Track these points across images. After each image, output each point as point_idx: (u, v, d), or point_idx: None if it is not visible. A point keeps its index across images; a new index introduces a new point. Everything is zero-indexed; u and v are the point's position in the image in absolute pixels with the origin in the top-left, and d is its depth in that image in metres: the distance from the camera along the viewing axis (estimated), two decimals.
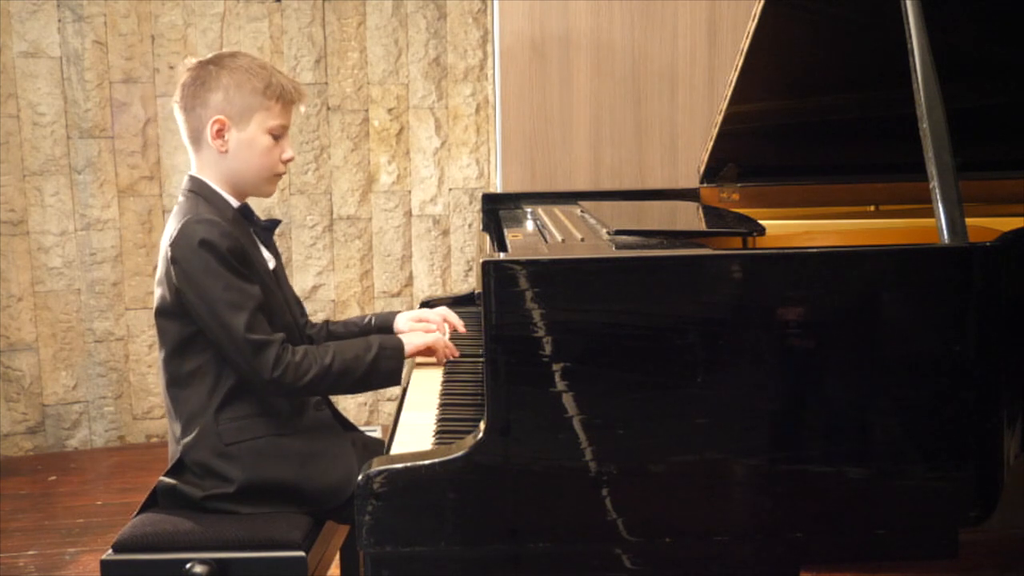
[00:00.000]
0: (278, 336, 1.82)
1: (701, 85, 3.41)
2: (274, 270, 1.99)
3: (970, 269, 1.53)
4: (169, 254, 1.84)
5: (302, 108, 1.98)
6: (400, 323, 2.15)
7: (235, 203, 1.93)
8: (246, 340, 1.78)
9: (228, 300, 1.79)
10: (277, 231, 4.08)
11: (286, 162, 1.95)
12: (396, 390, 4.17)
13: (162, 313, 1.88)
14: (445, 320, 2.16)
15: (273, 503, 1.85)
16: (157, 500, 1.89)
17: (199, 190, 1.91)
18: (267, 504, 1.85)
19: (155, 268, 2.07)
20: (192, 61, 1.93)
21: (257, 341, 1.79)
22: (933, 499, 1.55)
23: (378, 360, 1.89)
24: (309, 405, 1.97)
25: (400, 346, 1.94)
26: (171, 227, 1.86)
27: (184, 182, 1.93)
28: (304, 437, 1.90)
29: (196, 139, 1.92)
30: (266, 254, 1.98)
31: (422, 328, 2.11)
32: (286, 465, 1.85)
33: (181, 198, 1.92)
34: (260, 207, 4.01)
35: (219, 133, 1.88)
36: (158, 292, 1.89)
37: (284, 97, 1.91)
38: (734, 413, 1.51)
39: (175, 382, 1.88)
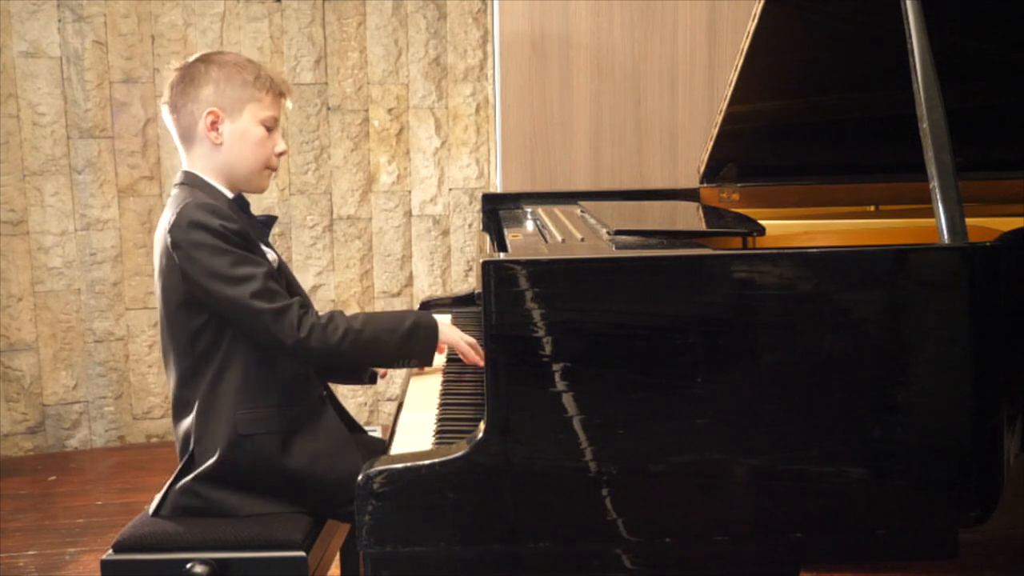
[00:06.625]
0: (295, 299, 1.83)
1: (701, 85, 3.40)
2: (278, 266, 1.98)
3: (970, 269, 1.53)
4: (169, 240, 1.83)
5: (289, 103, 1.99)
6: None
7: (229, 194, 1.93)
8: (262, 309, 1.78)
9: (237, 274, 1.79)
10: (277, 231, 4.11)
11: (279, 155, 1.96)
12: (396, 390, 4.18)
13: (171, 305, 1.87)
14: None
15: (279, 497, 1.85)
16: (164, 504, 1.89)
17: (192, 182, 1.91)
18: (272, 499, 1.85)
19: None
20: (178, 63, 1.95)
21: (274, 308, 1.79)
22: (933, 499, 1.55)
23: (415, 330, 1.89)
24: (320, 407, 1.96)
25: (435, 326, 1.92)
26: (167, 216, 1.85)
27: (177, 176, 1.94)
28: (314, 436, 1.91)
29: (188, 136, 1.92)
30: (265, 249, 1.97)
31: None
32: (295, 460, 1.86)
33: (175, 190, 1.91)
34: (260, 207, 4.01)
35: (213, 125, 1.89)
36: (161, 286, 1.88)
37: (274, 89, 1.94)
38: (734, 413, 1.51)
39: (192, 373, 1.87)
